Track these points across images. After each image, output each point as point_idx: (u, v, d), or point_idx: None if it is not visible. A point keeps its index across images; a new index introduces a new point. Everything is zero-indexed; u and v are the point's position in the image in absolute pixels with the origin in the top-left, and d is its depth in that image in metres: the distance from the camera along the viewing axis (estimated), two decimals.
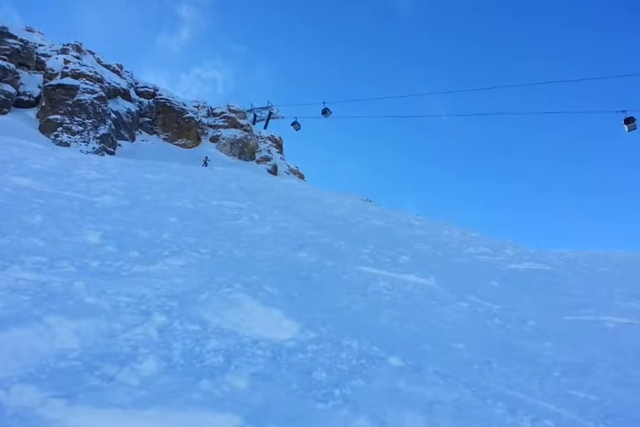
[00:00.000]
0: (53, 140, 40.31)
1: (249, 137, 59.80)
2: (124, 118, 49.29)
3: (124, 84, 52.21)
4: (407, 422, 2.97)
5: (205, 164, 38.85)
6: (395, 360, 3.98)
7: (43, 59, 47.49)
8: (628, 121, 22.37)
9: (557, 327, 6.22)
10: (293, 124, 35.90)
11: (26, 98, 44.42)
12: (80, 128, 42.30)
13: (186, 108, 58.17)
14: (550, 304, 7.50)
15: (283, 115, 54.86)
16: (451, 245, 13.75)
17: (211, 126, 60.16)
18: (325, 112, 30.83)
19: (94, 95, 44.62)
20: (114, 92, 49.48)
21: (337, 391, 3.21)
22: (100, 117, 44.16)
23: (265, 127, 63.37)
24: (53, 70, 46.06)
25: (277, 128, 68.49)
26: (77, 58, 47.59)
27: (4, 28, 45.28)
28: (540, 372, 4.44)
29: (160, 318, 3.94)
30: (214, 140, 58.19)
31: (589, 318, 6.75)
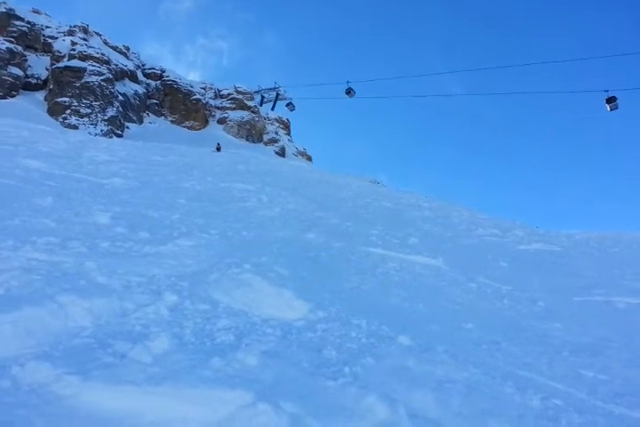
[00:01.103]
0: (62, 123, 40.42)
1: (256, 119, 59.51)
2: (132, 100, 49.18)
3: (131, 66, 51.94)
4: (417, 399, 2.99)
5: (218, 150, 37.90)
6: (404, 339, 4.00)
7: (50, 41, 47.29)
8: (610, 100, 22.67)
9: (567, 308, 6.21)
10: (288, 104, 35.34)
11: (34, 81, 44.38)
12: (88, 110, 42.30)
13: (193, 89, 57.84)
14: (560, 285, 7.47)
15: (290, 96, 54.38)
16: (460, 227, 13.70)
17: (218, 108, 59.88)
18: (349, 92, 29.52)
19: (101, 77, 44.48)
20: (121, 74, 49.27)
21: (347, 369, 3.23)
22: (108, 100, 44.11)
23: (272, 109, 62.89)
24: (60, 52, 45.87)
25: (285, 110, 67.92)
26: (84, 39, 47.31)
27: (10, 9, 45.02)
28: (549, 352, 4.44)
29: (171, 298, 3.98)
30: (222, 121, 57.98)
31: (599, 298, 6.72)
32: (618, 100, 22.49)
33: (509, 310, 5.97)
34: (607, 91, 22.30)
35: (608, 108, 22.67)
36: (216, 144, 42.06)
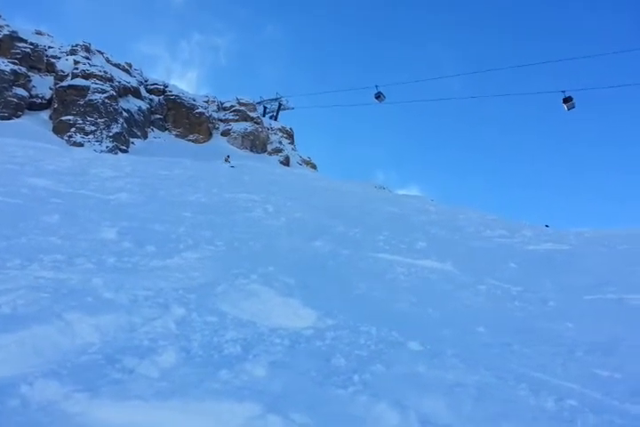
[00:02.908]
0: (67, 141, 40.82)
1: (260, 129, 59.82)
2: (136, 116, 49.63)
3: (133, 82, 52.48)
4: (428, 405, 2.95)
5: (227, 161, 37.33)
6: (414, 345, 3.96)
7: (53, 60, 47.94)
8: (567, 100, 23.26)
9: (579, 307, 6.14)
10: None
11: (38, 100, 44.95)
12: (93, 128, 42.71)
13: (196, 103, 58.31)
14: (571, 284, 7.39)
15: (292, 105, 54.72)
16: (467, 229, 13.63)
17: (221, 120, 60.28)
18: (379, 97, 28.62)
19: (105, 94, 44.96)
20: (124, 91, 49.79)
21: (356, 377, 3.20)
22: (112, 116, 44.53)
23: (275, 119, 63.36)
24: (64, 72, 46.47)
25: (287, 119, 68.34)
26: (87, 58, 47.91)
27: (14, 32, 45.76)
28: (562, 352, 4.38)
29: (178, 311, 3.97)
30: (225, 133, 58.33)
31: (611, 296, 6.63)
32: (574, 100, 23.13)
33: (520, 311, 5.91)
34: (564, 91, 23.05)
35: (566, 108, 23.39)
36: (225, 156, 41.55)
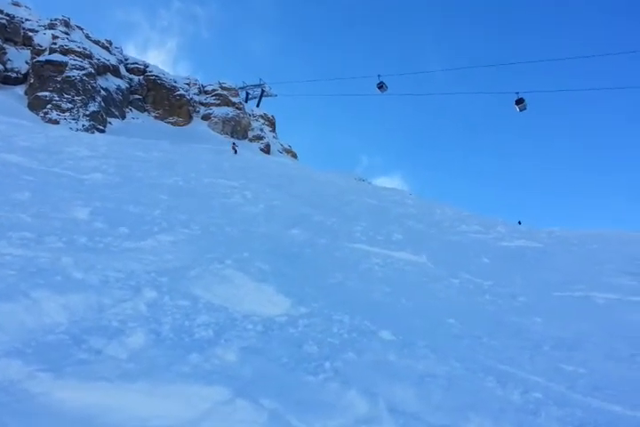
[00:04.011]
0: (43, 118, 39.66)
1: (241, 115, 59.11)
2: (114, 95, 48.46)
3: (113, 61, 51.15)
4: (397, 394, 2.97)
5: (235, 151, 34.00)
6: (386, 334, 3.98)
7: (30, 34, 46.30)
8: (518, 102, 23.57)
9: (547, 303, 6.27)
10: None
11: (14, 74, 43.42)
12: (69, 105, 41.55)
13: (177, 85, 57.21)
14: (541, 281, 7.55)
15: (275, 93, 54.15)
16: (443, 224, 13.77)
17: (202, 104, 59.31)
18: (381, 86, 27.94)
19: (83, 72, 43.72)
20: (103, 69, 48.48)
21: (327, 364, 3.20)
22: (90, 94, 43.36)
23: (257, 105, 62.63)
24: (41, 46, 44.96)
25: (270, 106, 67.71)
26: (66, 33, 46.43)
27: None
28: (529, 346, 4.47)
29: (150, 294, 3.90)
30: (206, 118, 57.47)
31: (579, 293, 6.80)
32: (526, 102, 23.61)
33: (491, 305, 6.01)
34: (517, 93, 23.32)
35: (517, 109, 23.73)
36: (232, 144, 37.40)
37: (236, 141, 48.73)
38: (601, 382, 3.74)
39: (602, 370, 4.03)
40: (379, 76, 26.83)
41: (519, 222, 22.97)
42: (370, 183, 47.77)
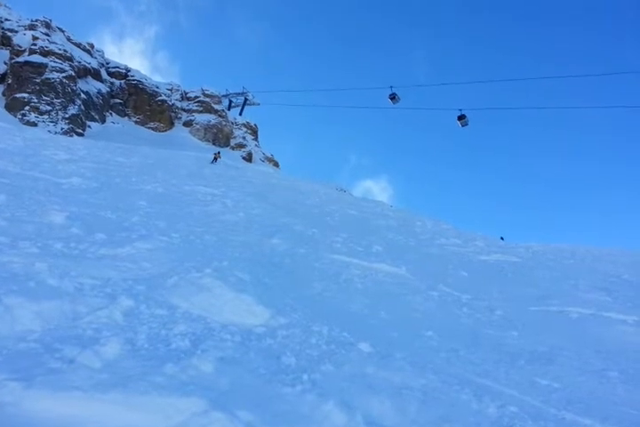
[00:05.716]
0: (20, 120, 38.99)
1: (224, 123, 58.99)
2: (95, 99, 47.96)
3: (94, 64, 50.69)
4: (374, 407, 2.96)
5: (215, 160, 32.71)
6: (364, 346, 3.98)
7: (9, 34, 45.65)
8: (460, 118, 24.47)
9: (523, 317, 6.34)
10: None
11: None
12: (48, 108, 40.95)
13: (158, 90, 56.92)
14: (517, 295, 7.65)
15: (259, 101, 54.16)
16: (423, 236, 13.89)
17: (184, 110, 59.07)
18: (394, 98, 27.81)
19: (63, 74, 43.20)
20: (84, 72, 48.00)
21: (305, 376, 3.18)
22: (70, 97, 42.83)
23: (240, 113, 62.50)
24: (21, 47, 44.34)
25: (253, 115, 67.73)
26: (46, 35, 45.90)
27: None
28: (505, 360, 4.51)
29: (126, 302, 3.83)
30: (188, 124, 57.22)
31: (554, 308, 6.91)
32: (467, 118, 24.52)
33: (468, 318, 6.06)
34: (461, 110, 24.16)
35: (459, 125, 24.60)
36: (215, 153, 35.20)
37: (219, 149, 48.49)
38: (574, 395, 3.79)
39: (575, 384, 4.08)
40: (391, 87, 26.75)
41: (502, 238, 23.19)
42: (351, 195, 47.98)
